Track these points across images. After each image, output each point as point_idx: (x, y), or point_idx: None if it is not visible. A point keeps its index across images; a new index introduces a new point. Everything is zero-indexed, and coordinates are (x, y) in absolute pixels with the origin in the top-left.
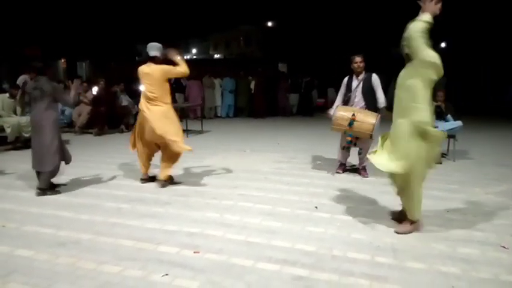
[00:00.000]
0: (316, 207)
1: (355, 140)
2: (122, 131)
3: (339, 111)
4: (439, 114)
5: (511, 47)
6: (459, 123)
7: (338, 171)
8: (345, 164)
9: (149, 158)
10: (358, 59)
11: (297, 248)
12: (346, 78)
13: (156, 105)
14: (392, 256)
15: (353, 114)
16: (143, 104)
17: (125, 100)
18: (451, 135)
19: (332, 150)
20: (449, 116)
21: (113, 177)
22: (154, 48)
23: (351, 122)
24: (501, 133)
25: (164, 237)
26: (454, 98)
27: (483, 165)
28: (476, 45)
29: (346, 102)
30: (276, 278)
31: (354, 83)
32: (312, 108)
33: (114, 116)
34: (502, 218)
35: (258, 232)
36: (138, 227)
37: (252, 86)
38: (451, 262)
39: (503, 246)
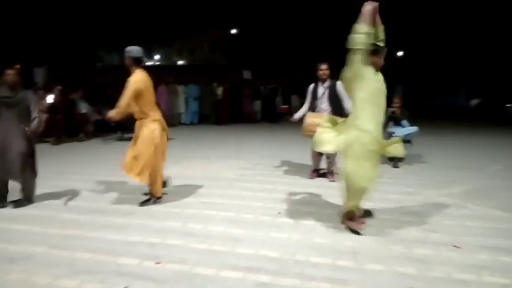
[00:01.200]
0: (279, 212)
1: None
2: (81, 140)
3: (310, 118)
4: (395, 120)
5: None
6: (415, 128)
7: (311, 176)
8: (318, 170)
9: None
10: (324, 66)
11: (261, 254)
12: (311, 86)
13: None
14: (352, 259)
15: None
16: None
17: (84, 107)
18: (407, 140)
19: (295, 156)
20: (404, 122)
21: (72, 188)
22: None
23: None
24: (455, 137)
25: (125, 248)
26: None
27: (438, 168)
28: (436, 53)
29: (313, 109)
30: (239, 286)
31: (320, 90)
32: (276, 115)
33: (72, 124)
34: (455, 219)
35: (221, 240)
36: (97, 239)
37: (219, 92)
38: (408, 263)
39: (456, 246)
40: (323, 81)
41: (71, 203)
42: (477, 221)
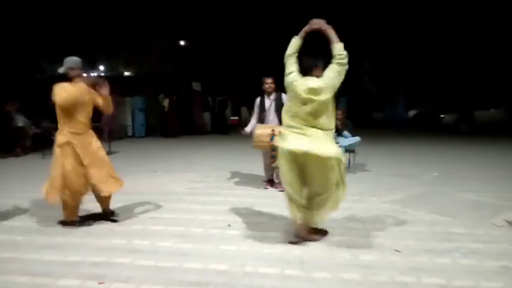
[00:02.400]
0: (229, 225)
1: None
2: (18, 155)
3: (259, 130)
4: (336, 131)
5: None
6: (357, 138)
7: (266, 186)
8: (272, 180)
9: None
10: (269, 80)
11: (210, 268)
12: (258, 99)
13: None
14: (300, 268)
15: (272, 130)
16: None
17: (20, 121)
18: (351, 150)
19: (245, 167)
20: (345, 132)
21: (8, 207)
22: (65, 63)
23: (272, 137)
24: (395, 146)
25: (65, 269)
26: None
27: (380, 176)
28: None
29: (261, 121)
30: None
31: (267, 102)
32: (226, 127)
33: (8, 139)
34: (396, 224)
35: (169, 256)
36: (35, 261)
37: (166, 104)
38: (353, 269)
39: (397, 250)
40: (269, 94)
41: (6, 223)
42: (416, 226)
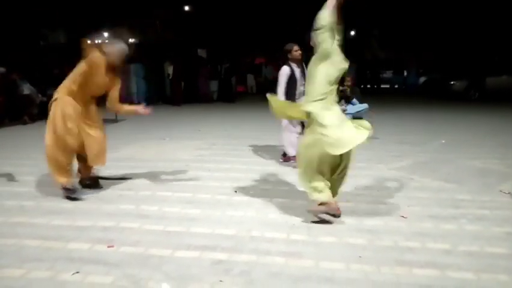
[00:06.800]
0: (236, 191)
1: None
2: (25, 123)
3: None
4: (345, 98)
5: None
6: (365, 105)
7: (293, 161)
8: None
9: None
10: (297, 47)
11: (217, 233)
12: (288, 70)
13: None
14: (306, 233)
15: None
16: None
17: (26, 89)
18: (359, 117)
19: (252, 135)
20: (354, 100)
21: (16, 173)
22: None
23: None
24: (404, 113)
25: (75, 233)
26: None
27: (387, 144)
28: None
29: (293, 92)
30: (195, 265)
31: (297, 72)
32: (233, 94)
33: (15, 107)
34: (402, 191)
35: (177, 221)
36: (44, 225)
37: (170, 71)
38: (358, 234)
39: (403, 216)
40: (298, 62)
41: (14, 189)
42: (422, 192)
